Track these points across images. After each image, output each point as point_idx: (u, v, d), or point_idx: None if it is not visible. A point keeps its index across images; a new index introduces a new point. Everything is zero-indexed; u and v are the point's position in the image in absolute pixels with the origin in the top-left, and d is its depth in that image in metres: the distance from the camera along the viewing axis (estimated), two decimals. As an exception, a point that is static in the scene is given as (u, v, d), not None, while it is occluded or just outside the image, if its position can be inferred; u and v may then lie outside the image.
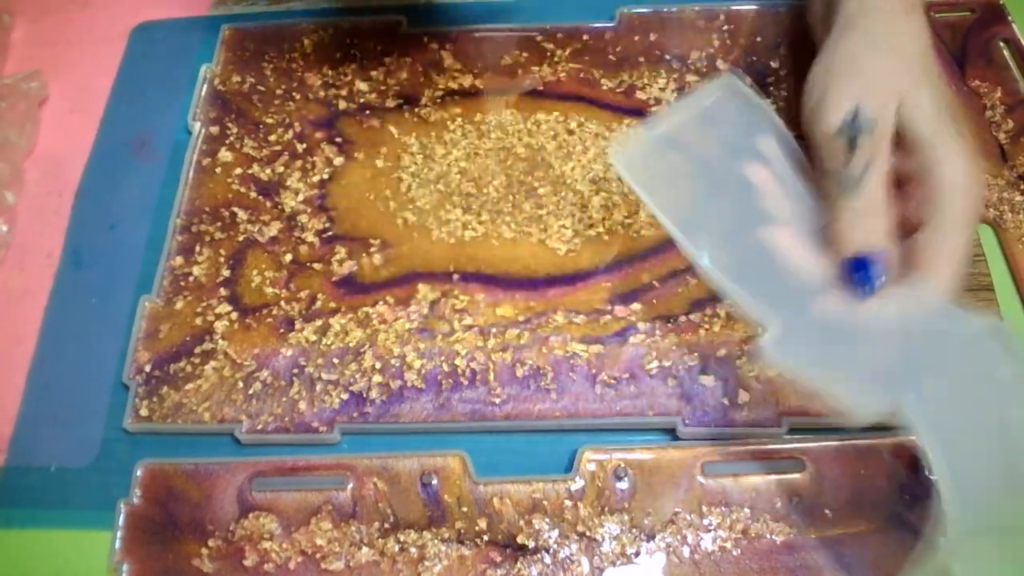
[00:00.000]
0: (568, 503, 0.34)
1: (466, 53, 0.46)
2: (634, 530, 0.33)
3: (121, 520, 0.35)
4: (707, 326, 0.37)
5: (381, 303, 0.39)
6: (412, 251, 0.40)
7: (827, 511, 0.34)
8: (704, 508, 0.34)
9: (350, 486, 0.35)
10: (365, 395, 0.37)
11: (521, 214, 0.41)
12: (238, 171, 0.43)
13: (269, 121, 0.45)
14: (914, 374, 0.28)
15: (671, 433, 0.36)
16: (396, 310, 0.39)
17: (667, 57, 0.45)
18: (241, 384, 0.37)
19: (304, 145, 0.44)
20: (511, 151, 0.43)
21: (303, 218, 0.42)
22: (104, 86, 0.48)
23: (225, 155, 0.44)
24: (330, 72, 0.46)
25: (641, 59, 0.45)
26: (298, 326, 0.38)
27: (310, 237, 0.41)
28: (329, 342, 0.38)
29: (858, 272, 0.30)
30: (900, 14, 0.34)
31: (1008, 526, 0.27)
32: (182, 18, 0.50)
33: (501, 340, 0.37)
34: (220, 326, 0.39)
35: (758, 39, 0.46)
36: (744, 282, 0.31)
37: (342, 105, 0.45)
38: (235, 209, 0.42)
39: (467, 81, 0.45)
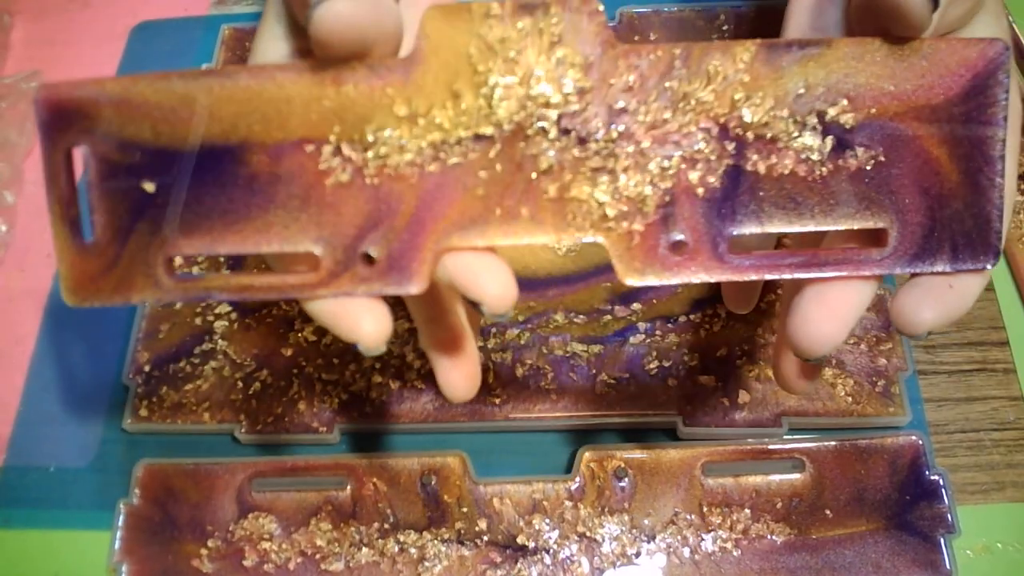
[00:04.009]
0: (568, 503, 0.34)
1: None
2: (634, 531, 0.33)
3: (120, 520, 0.34)
4: (707, 326, 0.37)
5: (381, 303, 0.39)
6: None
7: (827, 511, 0.33)
8: (704, 509, 0.34)
9: (349, 486, 0.35)
10: (364, 395, 0.37)
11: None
12: (238, 171, 0.43)
13: (269, 121, 0.45)
14: None
15: (671, 433, 0.36)
16: (396, 309, 0.39)
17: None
18: (241, 384, 0.37)
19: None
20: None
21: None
22: (104, 86, 0.47)
23: (225, 155, 0.44)
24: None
25: (641, 59, 0.45)
26: (297, 326, 0.38)
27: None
28: (328, 342, 0.38)
29: None
30: None
31: None
32: (182, 18, 0.50)
33: (501, 340, 0.37)
34: (220, 326, 0.39)
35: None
36: None
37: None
38: (235, 209, 0.42)
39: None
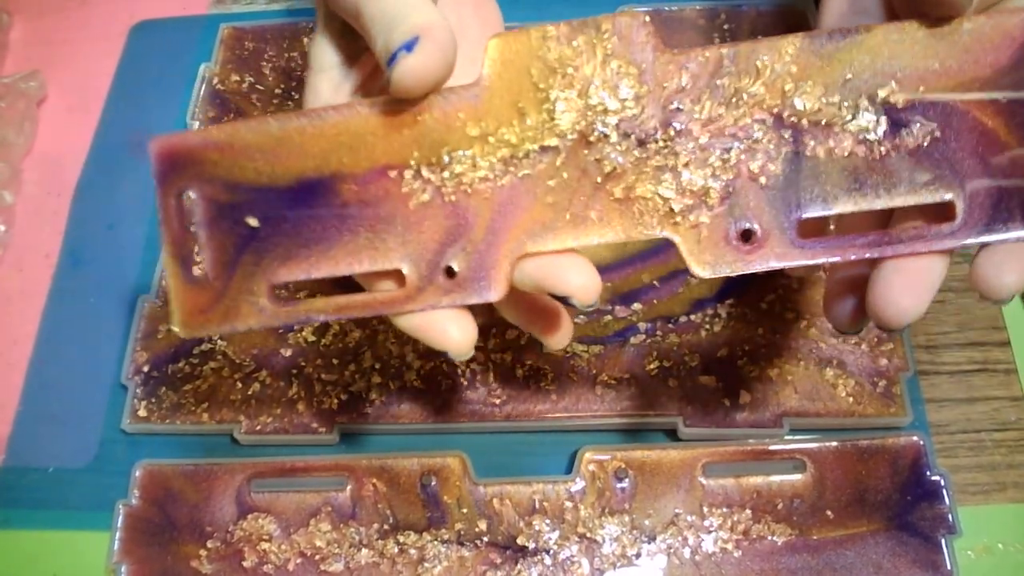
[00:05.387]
0: (568, 504, 0.34)
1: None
2: (635, 531, 0.33)
3: (119, 521, 0.34)
4: (708, 326, 0.37)
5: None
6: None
7: (828, 512, 0.33)
8: (705, 509, 0.34)
9: (349, 487, 0.35)
10: (364, 395, 0.37)
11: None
12: (237, 170, 0.43)
13: (268, 120, 0.45)
14: None
15: (672, 434, 0.36)
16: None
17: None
18: (240, 384, 0.37)
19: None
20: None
21: (302, 218, 0.42)
22: (103, 85, 0.47)
23: (224, 154, 0.44)
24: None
25: (642, 58, 0.45)
26: (297, 326, 0.38)
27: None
28: (328, 342, 0.38)
29: None
30: None
31: None
32: (181, 17, 0.50)
33: (501, 340, 0.37)
34: (219, 326, 0.39)
35: (759, 38, 0.45)
36: None
37: (341, 104, 0.45)
38: (234, 209, 0.42)
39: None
